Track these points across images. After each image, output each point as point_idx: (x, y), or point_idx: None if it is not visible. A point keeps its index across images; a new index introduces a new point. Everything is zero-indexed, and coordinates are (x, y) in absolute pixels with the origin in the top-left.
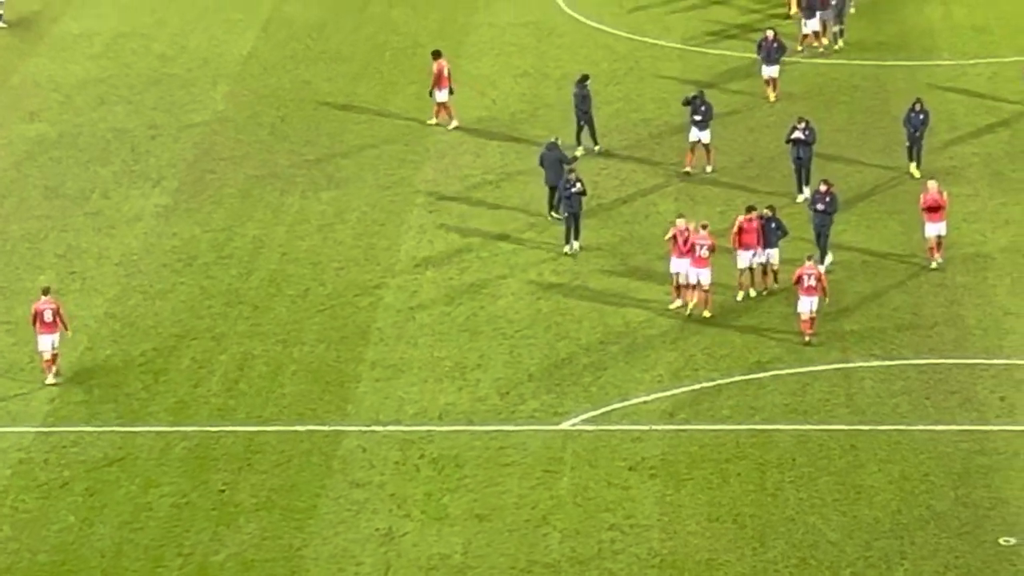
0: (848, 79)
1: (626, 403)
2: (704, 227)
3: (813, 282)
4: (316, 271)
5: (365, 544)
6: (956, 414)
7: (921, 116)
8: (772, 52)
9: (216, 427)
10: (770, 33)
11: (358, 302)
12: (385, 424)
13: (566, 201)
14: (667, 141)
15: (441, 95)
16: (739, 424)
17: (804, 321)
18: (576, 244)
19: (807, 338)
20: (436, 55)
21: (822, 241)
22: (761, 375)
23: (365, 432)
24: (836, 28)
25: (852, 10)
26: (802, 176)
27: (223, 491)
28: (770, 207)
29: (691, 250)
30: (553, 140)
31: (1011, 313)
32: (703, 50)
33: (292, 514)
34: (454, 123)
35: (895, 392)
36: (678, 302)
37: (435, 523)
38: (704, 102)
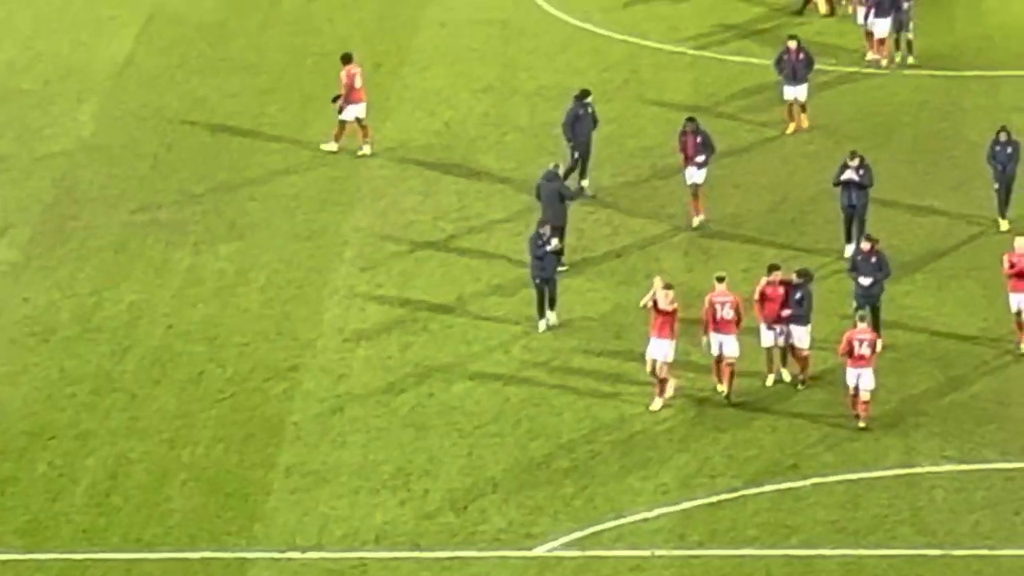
0: (911, 95)
1: (621, 521)
2: (721, 280)
3: (867, 350)
4: (213, 349)
5: None
6: None
7: (1009, 149)
8: (798, 68)
9: (82, 553)
10: (792, 44)
11: (268, 389)
12: (304, 549)
13: (537, 263)
14: (674, 176)
15: (354, 111)
16: (770, 548)
17: (856, 399)
18: (552, 316)
19: (861, 423)
20: (346, 59)
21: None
22: (799, 484)
23: (278, 560)
24: (908, 35)
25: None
26: (853, 228)
27: None
28: (803, 272)
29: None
30: (553, 168)
31: None
32: (721, 56)
33: None
34: (367, 148)
35: (975, 505)
36: (657, 400)
37: None
38: (698, 131)
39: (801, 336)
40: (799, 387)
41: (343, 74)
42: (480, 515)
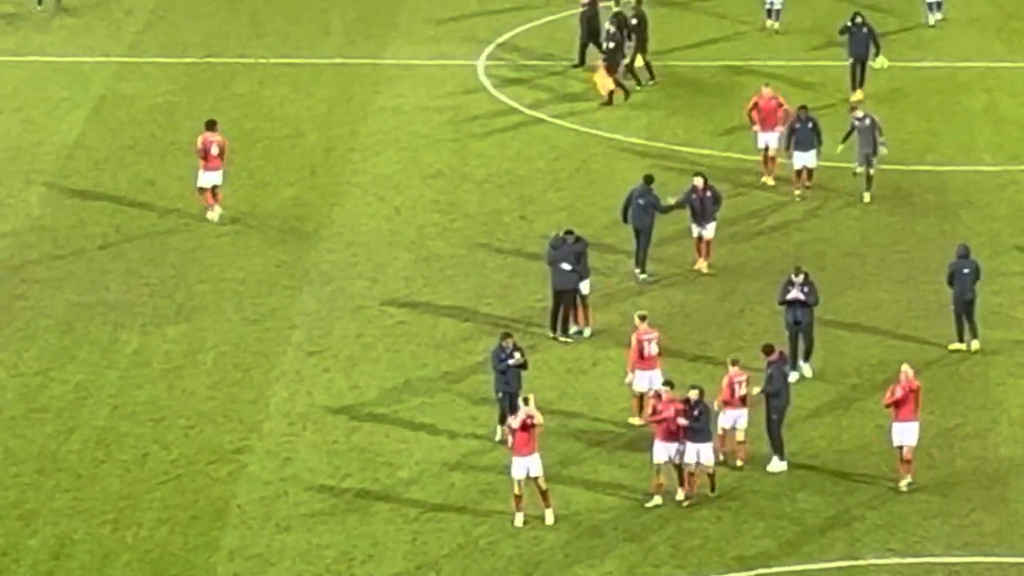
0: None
1: None
2: (643, 319)
3: (743, 390)
4: (158, 430)
5: None
6: None
7: (965, 271)
8: (706, 205)
9: None
10: (698, 181)
11: (213, 472)
12: None
13: (500, 376)
14: (624, 263)
15: (209, 178)
16: None
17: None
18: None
19: (739, 462)
20: (209, 126)
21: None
22: (744, 575)
23: None
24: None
25: (885, 150)
26: (799, 345)
27: None
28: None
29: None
30: (561, 234)
31: None
32: (673, 147)
33: None
34: (215, 214)
35: None
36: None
37: None
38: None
39: (706, 453)
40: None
41: (200, 140)
42: None
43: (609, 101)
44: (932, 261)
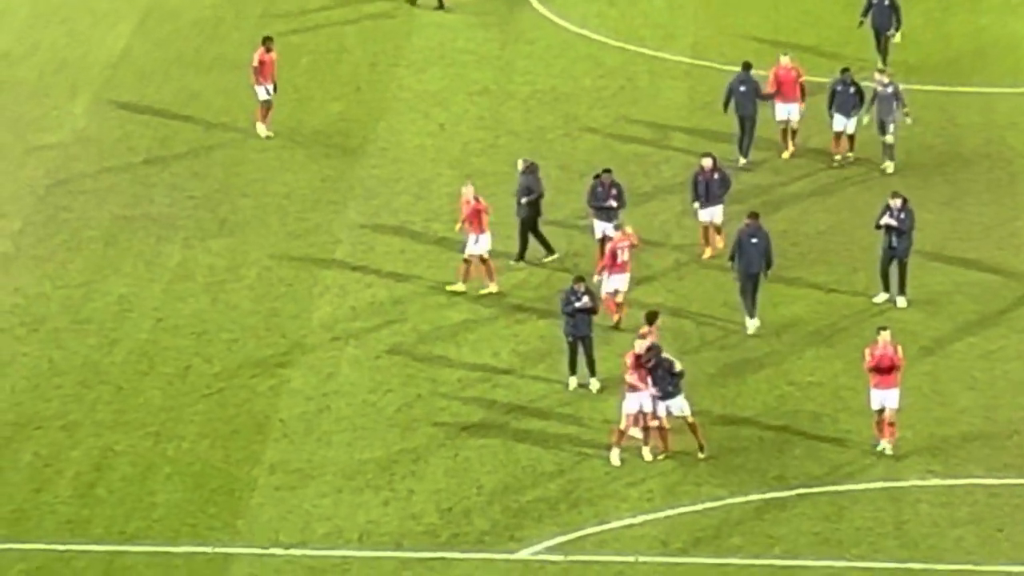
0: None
1: (605, 527)
2: (618, 228)
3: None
4: (201, 344)
5: None
6: None
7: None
8: (712, 188)
9: (65, 544)
10: (707, 162)
11: (255, 385)
12: (287, 547)
13: (569, 320)
14: (667, 181)
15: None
16: (753, 558)
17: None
18: (595, 383)
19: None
20: (266, 42)
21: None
22: (784, 494)
23: (261, 556)
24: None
25: (908, 120)
26: (892, 273)
27: None
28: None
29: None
30: (528, 161)
31: None
32: (718, 66)
33: None
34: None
35: (959, 521)
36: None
37: None
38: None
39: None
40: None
41: (255, 56)
42: (464, 517)
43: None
44: (976, 183)
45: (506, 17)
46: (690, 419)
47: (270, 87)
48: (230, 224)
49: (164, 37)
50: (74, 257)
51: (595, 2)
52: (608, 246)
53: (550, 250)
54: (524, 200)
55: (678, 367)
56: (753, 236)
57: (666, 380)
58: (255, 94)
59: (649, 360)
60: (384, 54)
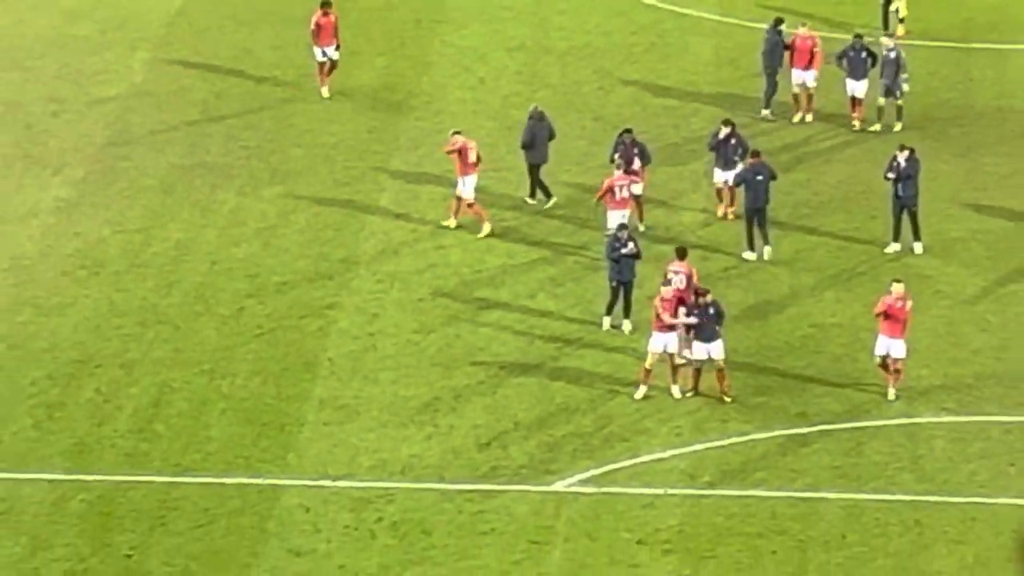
0: (921, 66)
1: (636, 461)
2: (619, 167)
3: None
4: (253, 286)
5: None
6: None
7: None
8: (728, 154)
9: (124, 476)
10: (726, 129)
11: (305, 326)
12: (334, 478)
13: (614, 266)
14: (696, 133)
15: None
16: (776, 490)
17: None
18: (627, 325)
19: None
20: (324, 6)
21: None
22: (806, 430)
23: (309, 487)
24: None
25: (906, 87)
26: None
27: (130, 556)
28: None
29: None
30: (537, 108)
31: None
32: (745, 23)
33: None
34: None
35: (972, 456)
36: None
37: None
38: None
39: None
40: (727, 400)
41: (313, 19)
42: (502, 451)
43: None
44: (989, 136)
45: None
46: (721, 364)
47: (328, 49)
48: (281, 173)
49: None
50: (133, 204)
51: None
52: (606, 183)
53: (548, 195)
54: (521, 146)
55: (723, 309)
56: (758, 174)
57: (713, 322)
58: (312, 55)
59: (698, 302)
60: (427, 11)
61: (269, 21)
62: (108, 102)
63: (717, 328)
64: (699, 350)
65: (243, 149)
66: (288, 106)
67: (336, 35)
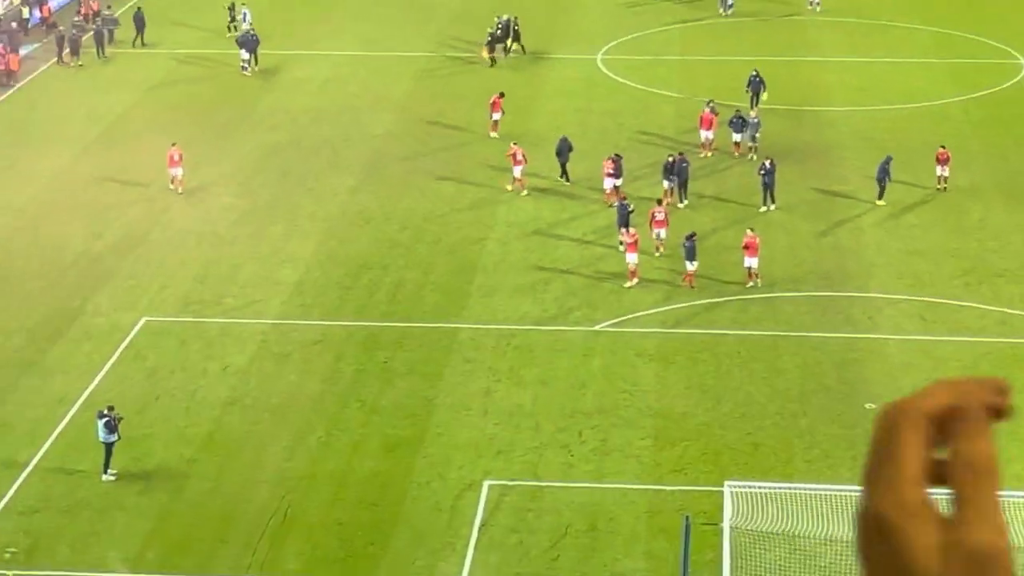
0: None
1: (635, 314)
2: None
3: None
4: (445, 228)
5: (472, 397)
6: (840, 326)
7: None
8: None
9: (381, 323)
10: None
11: (469, 249)
12: (486, 324)
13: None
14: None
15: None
16: (704, 329)
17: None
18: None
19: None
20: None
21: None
22: (718, 299)
23: (474, 328)
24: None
25: (758, 135)
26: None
27: (385, 362)
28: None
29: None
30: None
31: (876, 264)
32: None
33: (427, 378)
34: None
35: (802, 312)
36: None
37: (515, 386)
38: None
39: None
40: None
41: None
42: (568, 310)
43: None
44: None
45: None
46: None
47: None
48: (451, 174)
49: (429, 92)
50: (383, 187)
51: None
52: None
53: (566, 178)
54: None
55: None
56: (683, 163)
57: (693, 250)
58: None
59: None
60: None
61: (449, 97)
62: (374, 138)
63: (694, 252)
64: (688, 266)
65: (426, 159)
66: (467, 137)
67: None
